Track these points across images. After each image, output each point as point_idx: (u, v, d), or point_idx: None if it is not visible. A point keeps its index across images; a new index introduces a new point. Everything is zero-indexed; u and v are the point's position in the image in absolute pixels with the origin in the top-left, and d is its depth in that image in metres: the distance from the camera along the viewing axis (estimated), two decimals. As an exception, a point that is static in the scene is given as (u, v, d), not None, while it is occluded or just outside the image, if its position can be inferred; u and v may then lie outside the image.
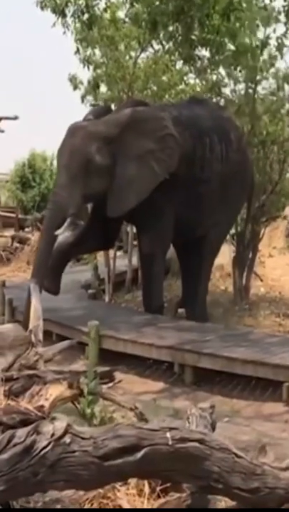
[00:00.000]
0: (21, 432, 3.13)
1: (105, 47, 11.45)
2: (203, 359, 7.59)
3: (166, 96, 12.47)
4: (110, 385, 5.52)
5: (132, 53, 12.13)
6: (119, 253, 14.11)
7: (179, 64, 12.52)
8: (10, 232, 18.51)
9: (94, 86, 12.47)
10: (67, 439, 3.07)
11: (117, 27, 10.99)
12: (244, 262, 11.58)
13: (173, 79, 12.20)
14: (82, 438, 3.11)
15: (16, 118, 24.62)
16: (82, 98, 12.42)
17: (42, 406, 4.73)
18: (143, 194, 9.07)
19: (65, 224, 9.07)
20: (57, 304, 9.69)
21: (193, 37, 11.12)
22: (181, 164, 9.41)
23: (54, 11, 9.68)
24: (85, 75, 12.36)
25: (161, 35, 11.50)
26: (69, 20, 10.34)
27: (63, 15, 9.76)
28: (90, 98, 12.47)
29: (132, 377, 7.94)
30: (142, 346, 8.10)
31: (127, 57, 12.15)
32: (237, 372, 7.45)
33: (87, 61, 11.79)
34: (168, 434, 3.29)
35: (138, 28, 10.84)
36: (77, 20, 10.23)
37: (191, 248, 10.40)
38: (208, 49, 11.27)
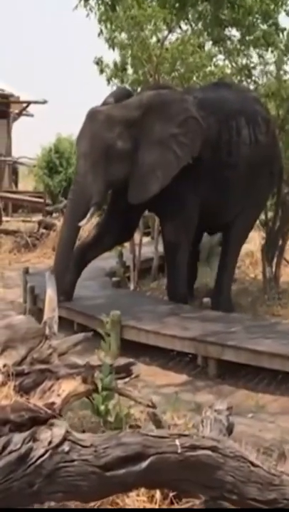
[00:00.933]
0: (17, 438, 2.93)
1: (130, 28, 11.12)
2: (228, 351, 7.31)
3: (194, 78, 12.13)
4: (127, 380, 5.28)
5: (159, 35, 11.80)
6: (147, 239, 13.87)
7: (208, 45, 12.18)
8: (38, 218, 18.39)
9: (120, 68, 12.22)
10: (65, 447, 2.86)
11: (141, 7, 10.64)
12: (274, 249, 11.24)
13: (201, 60, 11.84)
14: (82, 446, 2.89)
15: (44, 102, 24.55)
16: (108, 81, 12.14)
17: (53, 403, 4.53)
18: (166, 180, 8.76)
19: (88, 214, 8.81)
20: (79, 293, 9.50)
21: (223, 17, 10.78)
22: (206, 149, 9.06)
23: (76, -8, 9.41)
24: (111, 57, 12.11)
25: (189, 15, 11.17)
26: (92, 1, 10.09)
27: (86, -4, 9.51)
28: (116, 81, 12.20)
29: (155, 369, 7.71)
30: (165, 337, 7.84)
31: (154, 39, 11.85)
32: (263, 366, 7.16)
33: (112, 41, 11.54)
34: (177, 442, 3.05)
35: (164, 9, 10.47)
36: (100, 1, 9.97)
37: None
38: (238, 30, 10.94)
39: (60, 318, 8.69)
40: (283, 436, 5.79)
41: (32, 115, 26.47)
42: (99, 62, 11.99)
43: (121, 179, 8.83)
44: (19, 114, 25.36)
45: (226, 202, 9.55)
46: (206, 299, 9.31)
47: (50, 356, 5.34)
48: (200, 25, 11.34)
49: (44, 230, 16.17)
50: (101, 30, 11.34)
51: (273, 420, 6.26)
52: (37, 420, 4.13)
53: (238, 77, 11.37)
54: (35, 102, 24.86)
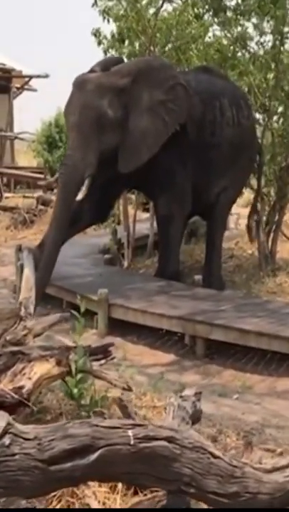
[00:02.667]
0: None
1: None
2: (216, 331, 7.14)
3: (191, 50, 11.80)
4: (103, 362, 5.12)
5: (155, 5, 11.51)
6: (146, 215, 13.63)
7: (206, 16, 11.84)
8: (39, 194, 18.12)
9: (118, 40, 11.93)
10: (6, 440, 2.68)
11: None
12: (270, 224, 11.03)
13: (197, 31, 11.52)
14: (25, 439, 2.72)
15: (46, 76, 24.16)
16: (105, 52, 11.86)
17: (21, 387, 4.36)
18: (155, 147, 8.65)
19: (84, 187, 8.48)
20: (70, 270, 9.34)
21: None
22: (192, 126, 9.08)
23: None
24: (109, 28, 11.81)
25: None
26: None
27: None
28: (113, 52, 11.92)
29: (142, 348, 7.56)
30: (153, 316, 7.67)
31: (150, 11, 11.56)
32: (251, 345, 6.99)
33: (107, 14, 11.25)
34: (130, 432, 2.89)
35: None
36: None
37: (201, 215, 10.31)
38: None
39: (49, 296, 8.61)
40: (268, 418, 5.65)
41: (35, 90, 26.12)
42: (96, 33, 11.71)
43: (112, 148, 8.57)
44: (19, 89, 25.00)
45: (209, 182, 9.59)
46: (198, 277, 9.13)
47: (25, 338, 5.17)
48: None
49: (42, 207, 15.94)
50: (95, 1, 11.12)
51: (259, 402, 6.11)
52: (3, 405, 3.99)
53: (234, 48, 11.06)
54: (38, 76, 24.45)
